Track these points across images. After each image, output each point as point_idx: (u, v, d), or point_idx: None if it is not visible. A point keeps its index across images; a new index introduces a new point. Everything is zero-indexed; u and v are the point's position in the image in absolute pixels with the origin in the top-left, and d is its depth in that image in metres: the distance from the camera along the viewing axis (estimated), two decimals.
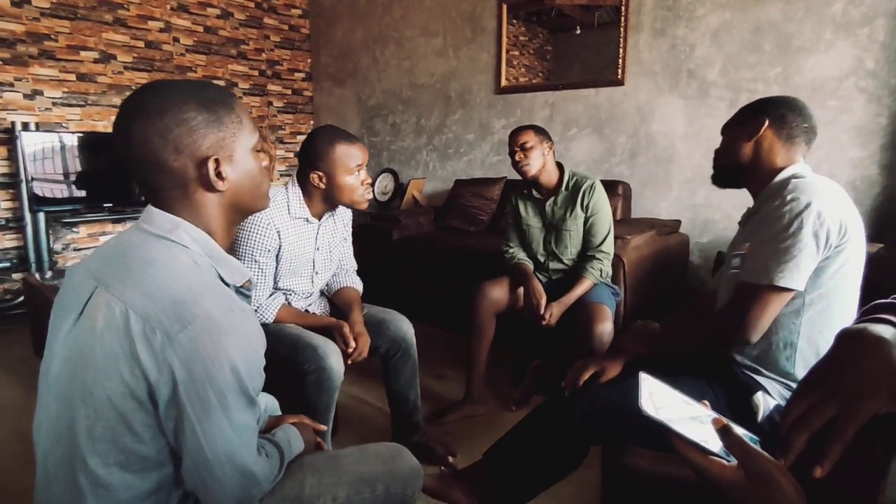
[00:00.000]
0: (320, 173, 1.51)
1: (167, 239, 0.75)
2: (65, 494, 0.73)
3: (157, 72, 3.80)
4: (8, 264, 3.27)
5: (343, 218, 1.76)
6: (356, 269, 1.86)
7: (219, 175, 0.77)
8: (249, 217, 1.50)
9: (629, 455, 1.13)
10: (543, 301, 2.00)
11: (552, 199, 2.13)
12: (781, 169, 1.18)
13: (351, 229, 1.82)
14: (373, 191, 1.55)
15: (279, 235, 1.52)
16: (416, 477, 1.02)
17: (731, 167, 1.26)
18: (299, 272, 1.62)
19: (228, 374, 0.70)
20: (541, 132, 2.09)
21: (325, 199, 1.57)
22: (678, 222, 2.92)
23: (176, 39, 3.88)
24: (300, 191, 1.56)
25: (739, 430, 0.55)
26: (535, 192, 2.17)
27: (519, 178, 2.15)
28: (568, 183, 2.11)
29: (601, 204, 2.08)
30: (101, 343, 0.68)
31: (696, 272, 3.00)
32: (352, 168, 1.51)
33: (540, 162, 2.08)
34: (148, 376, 0.68)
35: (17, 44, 3.20)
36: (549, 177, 2.12)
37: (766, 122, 1.18)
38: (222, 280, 0.79)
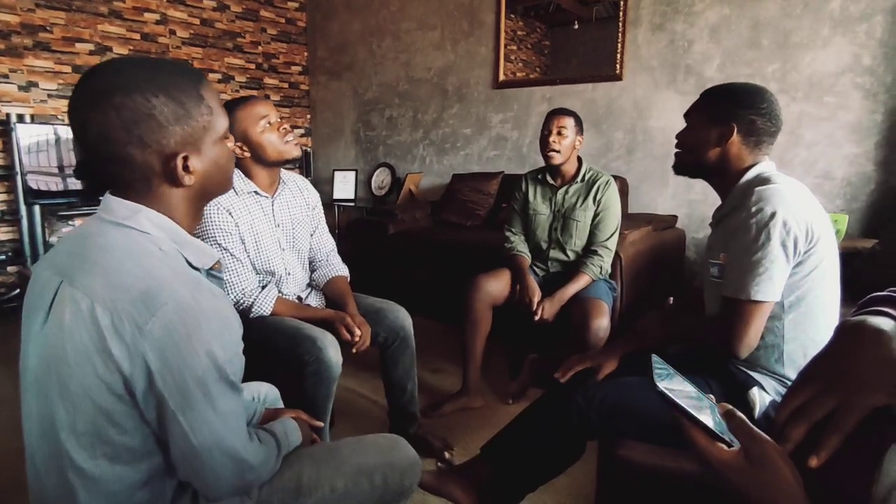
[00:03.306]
0: (237, 144, 1.53)
1: (126, 226, 0.72)
2: (57, 490, 0.72)
3: None
4: (3, 257, 3.25)
5: (309, 201, 1.76)
6: (335, 248, 1.85)
7: (186, 169, 0.74)
8: None
9: (624, 448, 1.14)
10: (536, 298, 1.99)
11: (565, 187, 2.14)
12: (747, 169, 1.18)
13: (322, 215, 1.82)
14: (293, 139, 1.55)
15: (231, 215, 1.53)
16: (415, 468, 1.02)
17: (695, 165, 1.25)
18: (268, 252, 1.61)
19: (205, 360, 0.68)
20: (579, 124, 2.11)
21: (259, 164, 1.57)
22: (675, 217, 2.93)
23: (172, 32, 3.85)
24: (240, 171, 1.59)
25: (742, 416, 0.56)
26: (549, 178, 2.18)
27: (519, 173, 2.14)
28: (585, 175, 2.13)
29: (613, 201, 2.10)
30: (70, 339, 0.66)
31: (692, 267, 3.01)
32: (259, 124, 1.51)
33: (568, 153, 2.09)
34: (122, 368, 0.66)
35: (12, 35, 3.17)
36: (569, 166, 2.14)
37: (735, 130, 1.16)
38: (190, 265, 0.77)
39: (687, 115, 1.28)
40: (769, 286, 1.06)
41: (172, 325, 0.66)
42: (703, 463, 0.55)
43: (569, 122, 2.06)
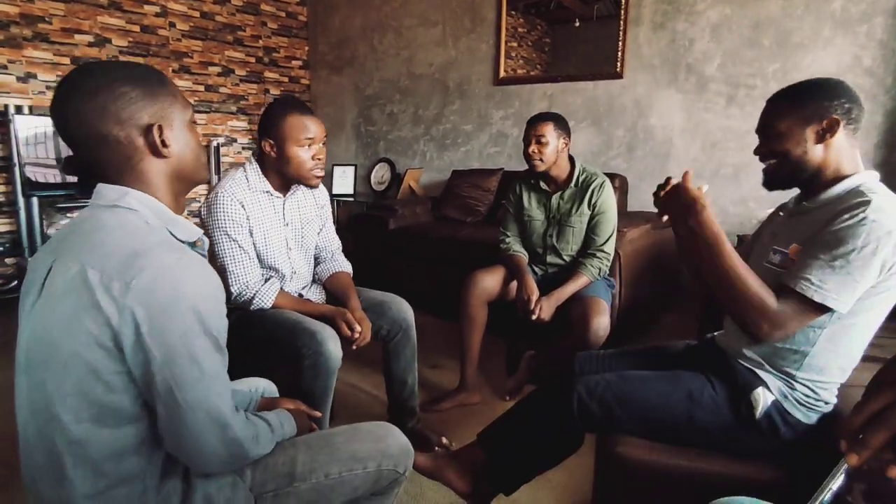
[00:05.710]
0: (271, 141, 1.53)
1: (116, 206, 0.78)
2: (44, 460, 0.74)
3: (152, 57, 3.76)
4: (1, 248, 3.25)
5: (319, 200, 1.76)
6: (341, 247, 1.86)
7: (163, 143, 0.81)
8: (211, 197, 1.53)
9: (622, 444, 1.15)
10: (535, 297, 1.97)
11: (560, 192, 2.10)
12: (847, 175, 1.08)
13: (330, 214, 1.83)
14: (323, 171, 1.56)
15: (243, 207, 1.53)
16: (407, 455, 1.04)
17: (795, 172, 1.12)
18: (274, 249, 1.62)
19: (189, 315, 0.72)
20: (561, 126, 2.04)
21: (278, 172, 1.57)
22: None
23: (172, 24, 3.84)
24: (258, 166, 1.59)
25: None
26: (542, 184, 2.13)
27: (518, 170, 2.13)
28: (578, 178, 2.08)
29: (609, 203, 2.06)
30: (61, 301, 0.71)
31: None
32: (301, 140, 1.51)
33: (553, 158, 2.04)
34: (111, 321, 0.69)
35: (11, 25, 3.16)
36: (560, 170, 2.08)
37: (840, 123, 1.05)
38: (176, 239, 0.82)
39: (768, 126, 1.15)
40: (851, 299, 0.99)
41: (157, 283, 0.71)
42: None
43: (547, 129, 2.01)
